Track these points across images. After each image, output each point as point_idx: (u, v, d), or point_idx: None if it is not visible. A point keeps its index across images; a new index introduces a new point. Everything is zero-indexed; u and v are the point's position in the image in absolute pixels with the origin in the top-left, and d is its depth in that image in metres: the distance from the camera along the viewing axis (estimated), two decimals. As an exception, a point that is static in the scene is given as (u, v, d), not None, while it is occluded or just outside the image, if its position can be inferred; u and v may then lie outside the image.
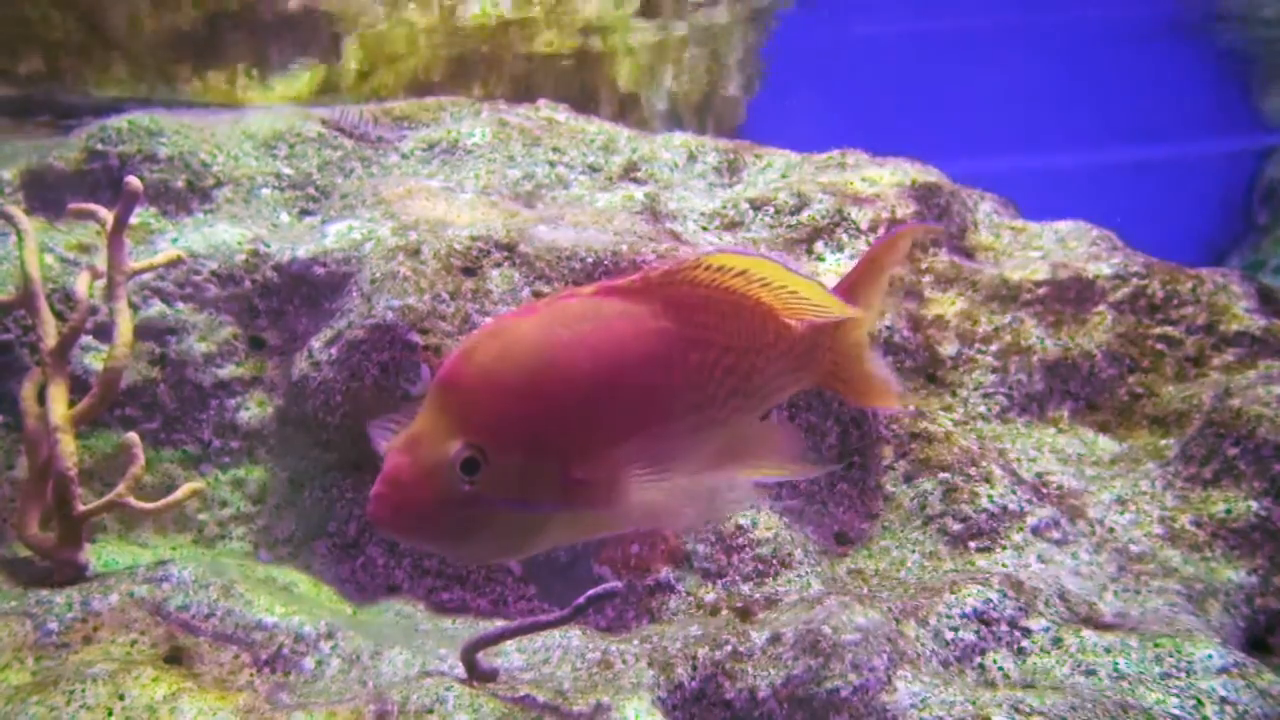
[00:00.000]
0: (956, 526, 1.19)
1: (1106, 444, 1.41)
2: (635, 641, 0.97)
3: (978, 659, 0.97)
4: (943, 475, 1.24)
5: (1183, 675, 0.90)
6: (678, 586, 1.14)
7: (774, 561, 1.15)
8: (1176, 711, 0.86)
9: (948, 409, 1.44)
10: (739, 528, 1.17)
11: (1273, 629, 1.07)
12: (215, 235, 1.27)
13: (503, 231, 1.31)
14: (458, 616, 1.09)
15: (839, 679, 0.87)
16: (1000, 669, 0.96)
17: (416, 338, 1.15)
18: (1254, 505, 1.13)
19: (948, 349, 1.51)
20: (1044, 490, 1.25)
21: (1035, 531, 1.17)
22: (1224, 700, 0.87)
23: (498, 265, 1.27)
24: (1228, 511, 1.14)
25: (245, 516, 1.16)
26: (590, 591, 0.85)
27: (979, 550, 1.16)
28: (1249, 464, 1.16)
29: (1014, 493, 1.21)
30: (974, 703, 0.84)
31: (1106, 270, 1.55)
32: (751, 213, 1.65)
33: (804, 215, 1.61)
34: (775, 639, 0.94)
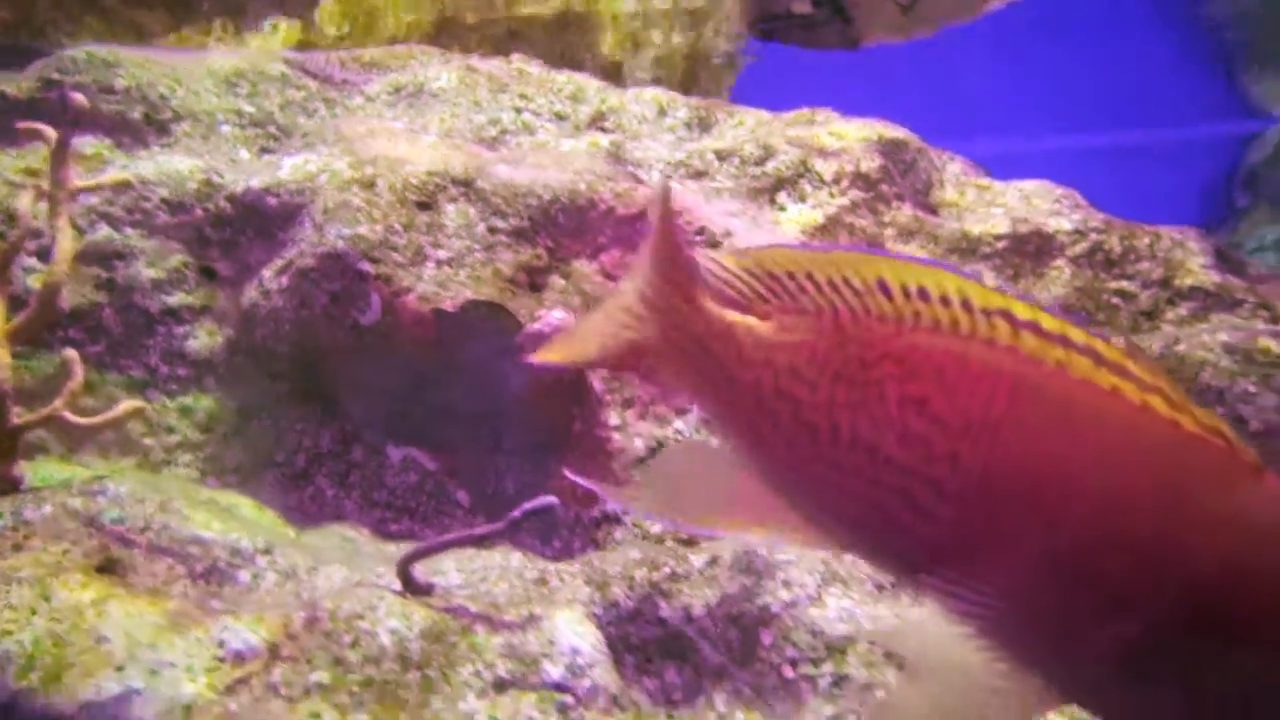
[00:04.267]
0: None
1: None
2: (576, 564, 0.98)
3: (917, 605, 0.98)
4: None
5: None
6: (624, 518, 1.14)
7: (721, 495, 1.15)
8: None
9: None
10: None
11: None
12: (168, 163, 1.26)
13: (461, 168, 1.30)
14: (403, 542, 1.10)
15: (770, 595, 0.88)
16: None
17: (368, 267, 1.14)
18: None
19: (907, 300, 1.52)
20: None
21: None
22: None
23: (454, 201, 1.27)
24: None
25: (192, 444, 1.16)
26: (525, 505, 0.85)
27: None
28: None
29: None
30: (899, 616, 0.85)
31: (1066, 225, 1.56)
32: (717, 163, 1.65)
33: (769, 166, 1.61)
34: (713, 561, 0.95)
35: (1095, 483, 0.55)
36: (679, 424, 1.21)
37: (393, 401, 1.18)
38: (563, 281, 1.24)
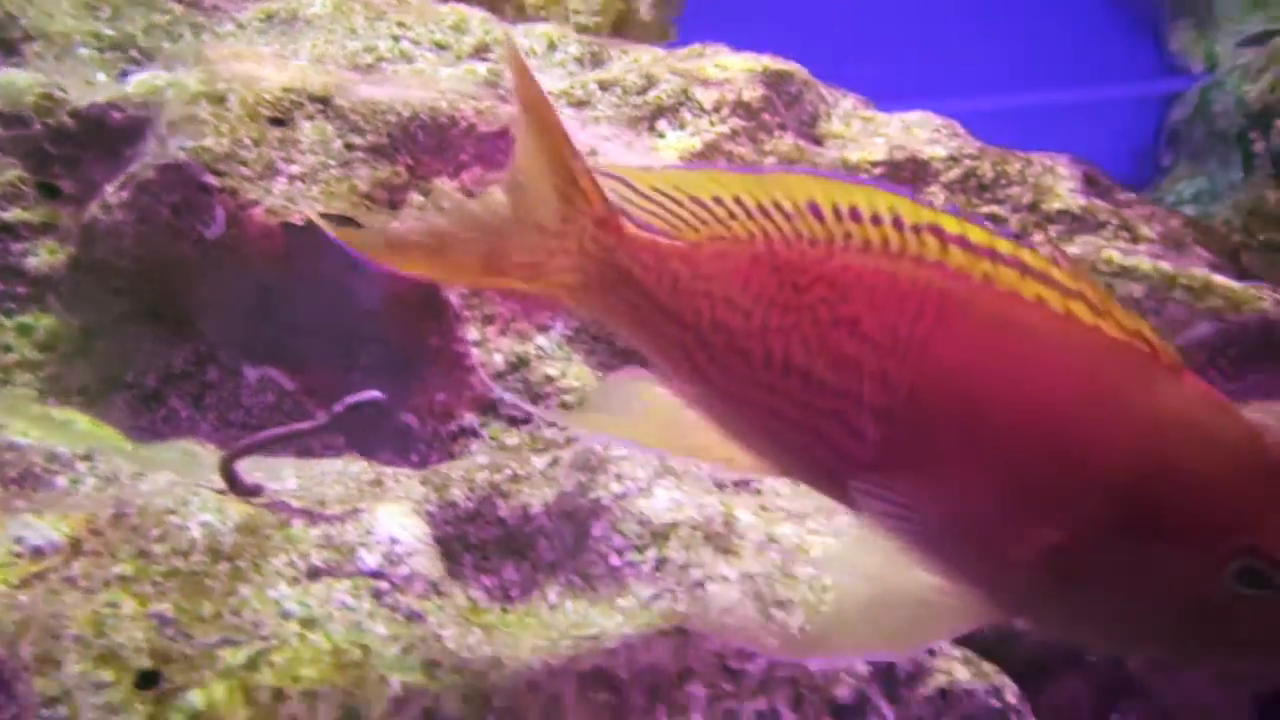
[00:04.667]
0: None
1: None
2: (416, 469, 0.97)
3: (755, 485, 1.00)
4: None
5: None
6: (482, 432, 1.14)
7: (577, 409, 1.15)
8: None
9: (779, 281, 1.46)
10: (547, 377, 1.17)
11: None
12: (3, 76, 1.21)
13: (319, 86, 1.27)
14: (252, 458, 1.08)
15: (602, 489, 0.88)
16: (775, 491, 0.99)
17: (211, 179, 1.11)
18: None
19: (784, 226, 1.53)
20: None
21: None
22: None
23: (310, 118, 1.24)
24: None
25: (32, 363, 1.13)
26: (349, 398, 0.84)
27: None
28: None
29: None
30: (725, 504, 0.86)
31: (941, 152, 1.59)
32: (600, 92, 1.63)
33: (650, 95, 1.61)
34: (554, 462, 0.95)
35: (1020, 394, 0.56)
36: (541, 340, 1.21)
37: (246, 319, 1.16)
38: (422, 199, 1.22)
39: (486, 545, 0.91)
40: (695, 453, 0.67)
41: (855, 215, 0.59)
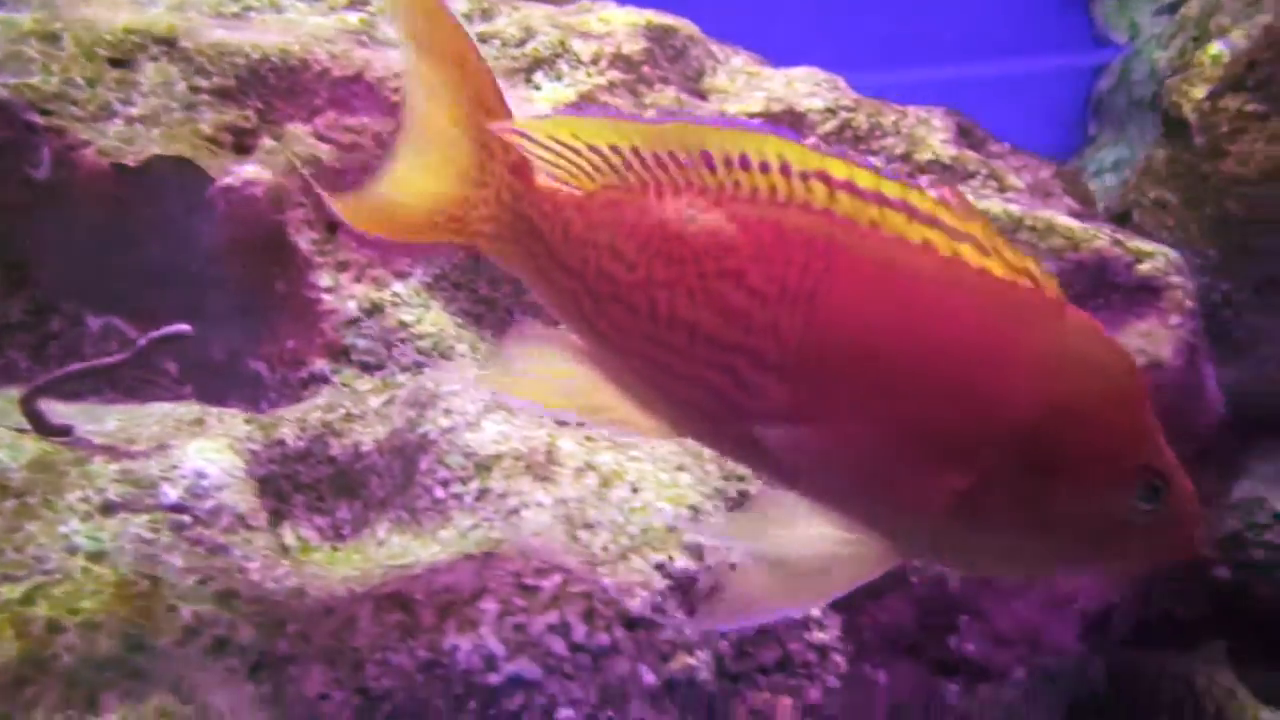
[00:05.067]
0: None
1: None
2: (243, 409, 0.96)
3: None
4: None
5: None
6: (333, 378, 1.12)
7: (434, 354, 1.14)
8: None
9: (653, 232, 1.46)
10: (402, 323, 1.16)
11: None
12: None
13: (164, 26, 1.23)
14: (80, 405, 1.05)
15: (430, 424, 0.87)
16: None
17: (36, 118, 1.07)
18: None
19: (661, 177, 1.53)
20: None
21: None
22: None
23: (154, 60, 1.20)
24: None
25: None
26: (153, 333, 0.82)
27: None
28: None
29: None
30: (551, 435, 0.86)
31: (818, 104, 1.60)
32: (479, 45, 1.61)
33: (527, 47, 1.59)
34: (390, 401, 0.94)
35: (911, 340, 0.55)
36: (398, 286, 1.19)
37: (85, 266, 1.12)
38: (273, 143, 1.19)
39: (320, 484, 0.90)
40: (595, 413, 0.64)
41: (744, 163, 0.57)
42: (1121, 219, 1.90)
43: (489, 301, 1.30)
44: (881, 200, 0.56)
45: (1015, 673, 1.01)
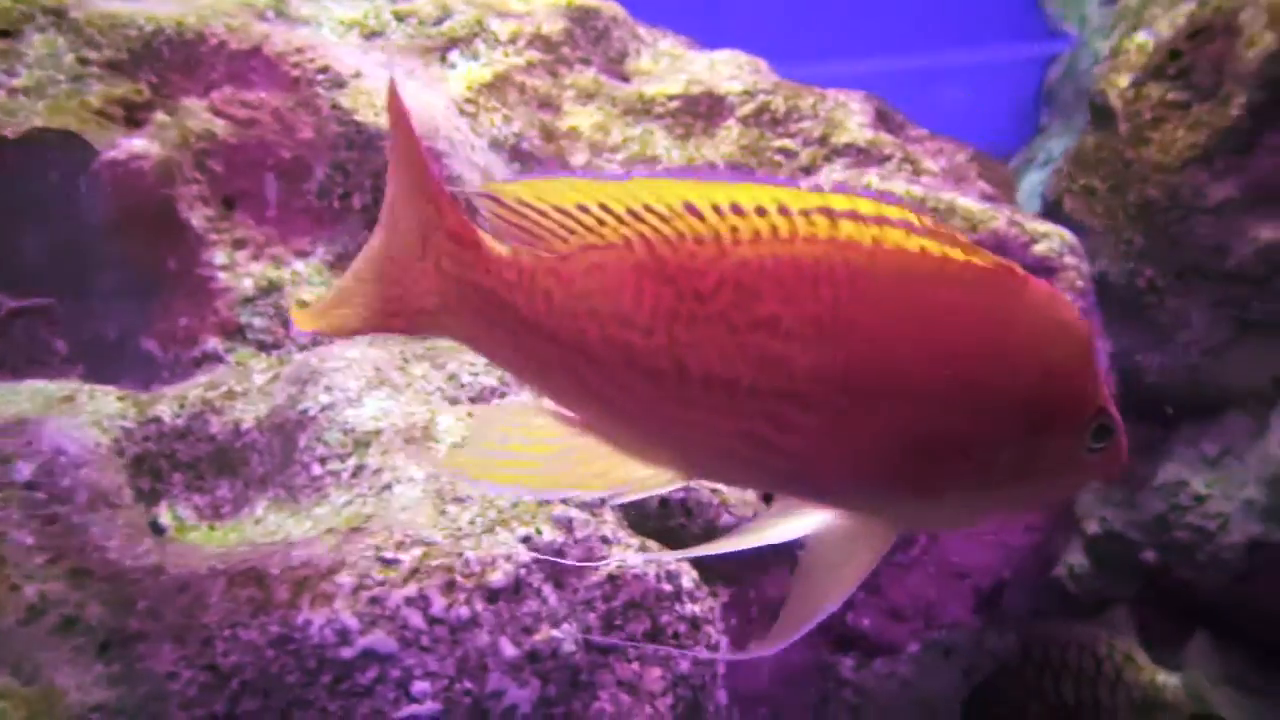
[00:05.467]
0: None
1: (716, 245, 1.47)
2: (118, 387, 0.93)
3: (496, 399, 0.99)
4: (527, 258, 1.26)
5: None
6: (227, 357, 1.10)
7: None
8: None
9: (568, 212, 1.46)
10: (301, 303, 1.14)
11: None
12: None
13: (54, -3, 1.19)
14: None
15: (310, 400, 0.86)
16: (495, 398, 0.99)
17: (-95, 87, 1.03)
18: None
19: (578, 158, 1.52)
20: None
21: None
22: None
23: (41, 30, 1.16)
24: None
25: None
26: (11, 303, 0.80)
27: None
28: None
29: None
30: (431, 410, 0.85)
31: (737, 86, 1.60)
32: (394, 23, 1.58)
33: (444, 26, 1.57)
34: (275, 378, 0.93)
35: (928, 344, 0.57)
36: (298, 265, 1.17)
37: (-35, 243, 1.08)
38: (167, 118, 1.16)
39: (200, 463, 0.88)
40: (591, 482, 0.60)
41: (737, 210, 0.56)
42: (1055, 206, 1.93)
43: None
44: (882, 221, 0.57)
45: (910, 646, 1.03)
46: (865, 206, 0.56)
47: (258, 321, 1.12)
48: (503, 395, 1.01)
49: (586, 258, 0.57)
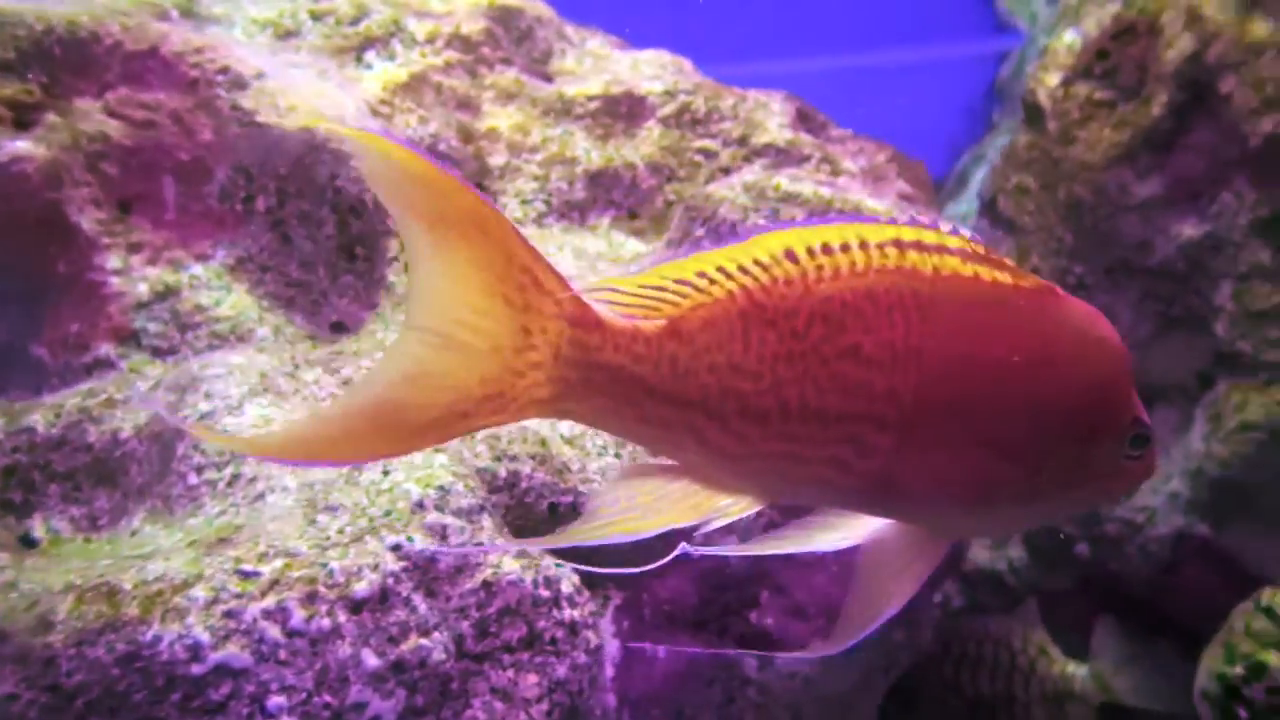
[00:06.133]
0: (434, 304, 1.19)
1: (634, 245, 1.46)
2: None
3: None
4: (436, 260, 1.24)
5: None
6: (119, 364, 1.07)
7: (231, 338, 1.11)
8: (537, 421, 0.90)
9: (485, 214, 1.44)
10: (198, 307, 1.12)
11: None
12: None
13: (-60, -5, 1.16)
14: None
15: (189, 408, 0.84)
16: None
17: None
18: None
19: (497, 159, 1.51)
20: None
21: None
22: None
23: (-75, 29, 1.13)
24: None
25: None
26: None
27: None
28: (711, 241, 1.24)
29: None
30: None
31: (658, 87, 1.60)
32: (310, 22, 1.56)
33: (361, 26, 1.55)
34: (156, 385, 0.91)
35: (988, 364, 0.62)
36: (196, 269, 1.15)
37: None
38: (58, 119, 1.13)
39: (77, 473, 0.86)
40: (682, 516, 0.62)
41: (827, 249, 0.61)
42: (991, 204, 1.95)
43: (302, 284, 1.26)
44: (942, 249, 0.62)
45: (811, 644, 1.03)
46: (929, 237, 0.62)
47: (153, 327, 1.10)
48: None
49: (698, 315, 0.60)
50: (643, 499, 0.61)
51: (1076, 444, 0.64)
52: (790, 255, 0.61)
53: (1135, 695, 1.28)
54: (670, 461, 0.62)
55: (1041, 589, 1.78)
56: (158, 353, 1.10)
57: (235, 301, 1.14)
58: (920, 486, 0.62)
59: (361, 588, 0.66)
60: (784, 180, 1.23)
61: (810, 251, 0.61)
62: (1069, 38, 1.90)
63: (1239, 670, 0.95)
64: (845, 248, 0.61)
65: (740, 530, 0.92)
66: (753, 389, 0.60)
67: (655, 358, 0.59)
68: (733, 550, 0.69)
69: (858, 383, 0.60)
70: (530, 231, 1.42)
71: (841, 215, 1.20)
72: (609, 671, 0.83)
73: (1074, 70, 1.80)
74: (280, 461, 0.63)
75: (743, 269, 0.61)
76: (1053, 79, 1.84)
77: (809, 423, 0.60)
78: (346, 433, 0.52)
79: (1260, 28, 1.58)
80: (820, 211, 1.19)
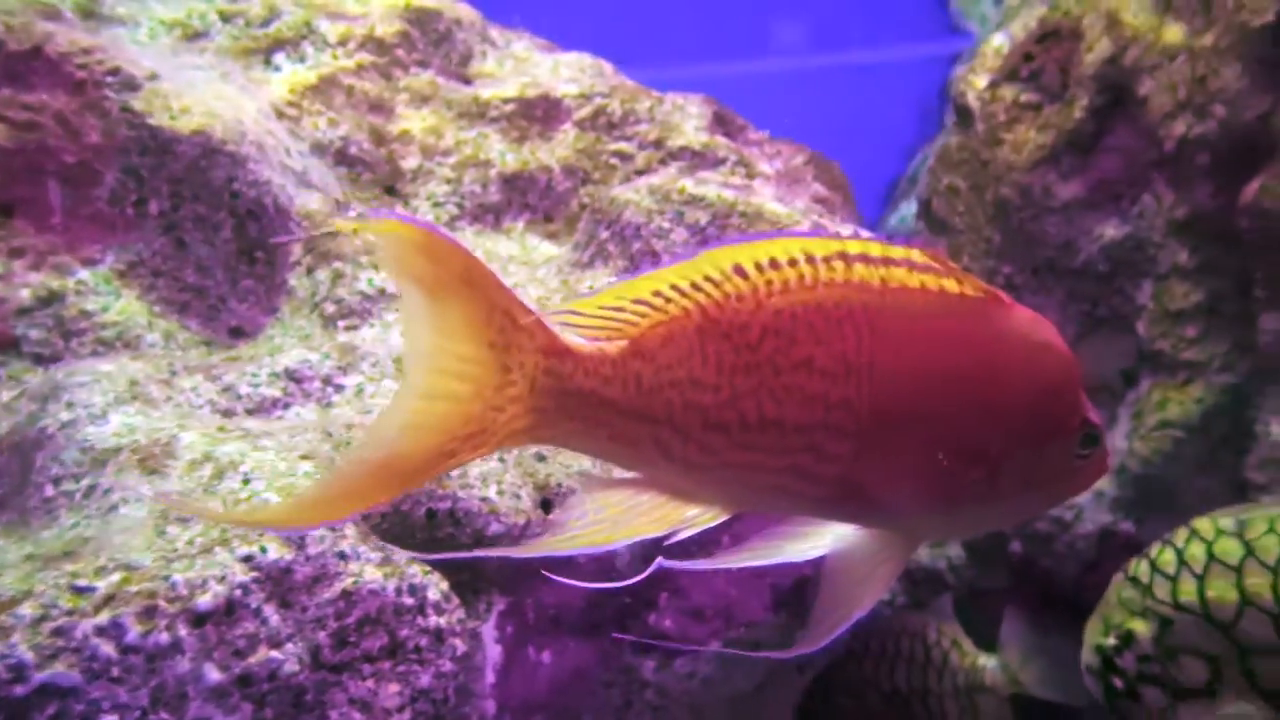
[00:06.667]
0: (331, 309, 1.17)
1: (548, 249, 1.45)
2: None
3: (279, 411, 0.96)
4: (337, 264, 1.22)
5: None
6: (-2, 373, 1.05)
7: (117, 344, 1.08)
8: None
9: (396, 217, 1.42)
10: (84, 313, 1.09)
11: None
12: None
13: None
14: None
15: (50, 418, 0.82)
16: (300, 417, 0.96)
17: None
18: (613, 281, 1.20)
19: (410, 162, 1.49)
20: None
21: (411, 311, 1.17)
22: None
23: None
24: (590, 288, 1.21)
25: None
26: None
27: (347, 328, 1.15)
28: (615, 244, 1.23)
29: (400, 277, 1.21)
30: (179, 425, 0.82)
31: (574, 89, 1.59)
32: (220, 24, 1.54)
33: (271, 27, 1.52)
34: (21, 394, 0.88)
35: (937, 371, 0.64)
36: (83, 274, 1.12)
37: None
38: (-63, 122, 1.10)
39: (-65, 488, 0.83)
40: (650, 527, 0.64)
41: (774, 264, 0.62)
42: (926, 206, 1.96)
43: (198, 289, 1.24)
44: (888, 261, 0.64)
45: (710, 645, 1.03)
46: (874, 249, 0.63)
47: (34, 334, 1.07)
48: (286, 406, 0.98)
49: (657, 334, 0.62)
50: (611, 511, 0.63)
51: (1030, 446, 0.66)
52: (739, 270, 0.62)
53: (1041, 686, 1.29)
54: (637, 475, 0.64)
55: (979, 587, 1.80)
56: (40, 360, 1.07)
57: (124, 307, 1.11)
58: (881, 492, 0.64)
59: (205, 600, 0.64)
60: (689, 183, 1.23)
61: (759, 266, 0.62)
62: (997, 41, 1.92)
63: (1112, 640, 0.96)
64: (793, 262, 0.62)
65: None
66: (713, 401, 0.62)
67: (621, 377, 0.61)
68: (703, 564, 0.70)
69: (813, 393, 0.62)
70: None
71: (789, 230, 1.22)
72: (489, 678, 0.82)
73: (1001, 73, 1.82)
74: (283, 531, 0.66)
75: (695, 285, 0.62)
76: (981, 81, 1.86)
77: (768, 432, 0.62)
78: (346, 493, 0.54)
79: (1174, 32, 1.60)
80: (724, 215, 1.19)
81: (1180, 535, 0.97)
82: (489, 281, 0.57)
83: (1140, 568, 0.99)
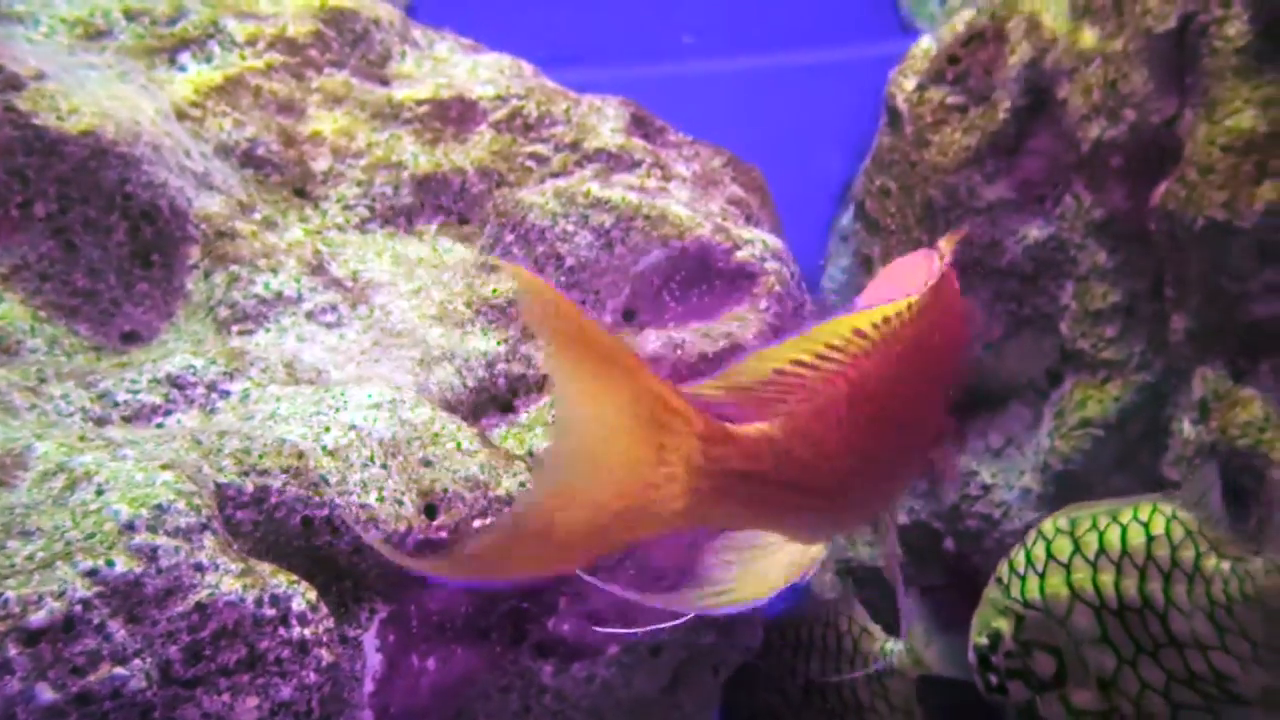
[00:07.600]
0: (224, 313, 1.15)
1: (461, 251, 1.43)
2: None
3: (159, 418, 0.94)
4: (234, 268, 1.20)
5: (330, 412, 0.91)
6: None
7: (-4, 353, 1.05)
8: (299, 433, 0.87)
9: (304, 220, 1.40)
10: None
11: (515, 391, 1.14)
12: None
13: None
14: None
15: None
16: (180, 424, 0.93)
17: None
18: (514, 285, 1.19)
19: (321, 164, 1.47)
20: (345, 283, 1.24)
21: (308, 316, 1.16)
22: (350, 425, 0.89)
23: None
24: (494, 291, 1.20)
25: None
26: None
27: (240, 333, 1.13)
28: (520, 247, 1.22)
29: (298, 281, 1.19)
30: (38, 435, 0.79)
31: (490, 91, 1.58)
32: (124, 22, 1.50)
33: (177, 26, 1.49)
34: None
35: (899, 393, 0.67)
36: None
37: None
38: None
39: None
40: (789, 575, 0.68)
41: (887, 321, 0.66)
42: (860, 207, 1.97)
43: (89, 293, 1.20)
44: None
45: (609, 649, 1.02)
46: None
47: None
48: (167, 413, 0.95)
49: (803, 408, 0.64)
50: (754, 564, 0.66)
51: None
52: (858, 333, 0.65)
53: (944, 665, 1.31)
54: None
55: (918, 584, 1.81)
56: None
57: (4, 312, 1.08)
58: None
59: (40, 616, 0.62)
60: (595, 186, 1.22)
61: (874, 325, 0.65)
62: (925, 43, 1.94)
63: (984, 639, 0.98)
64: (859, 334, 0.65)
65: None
66: (849, 467, 0.65)
67: (782, 458, 0.62)
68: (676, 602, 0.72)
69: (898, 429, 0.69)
70: (352, 237, 1.38)
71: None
72: (368, 687, 0.81)
73: (928, 75, 1.84)
74: (451, 583, 0.73)
75: (824, 357, 0.64)
76: (909, 83, 1.88)
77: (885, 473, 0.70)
78: (500, 551, 0.54)
79: (1089, 36, 1.63)
80: (628, 219, 1.18)
81: (1030, 535, 1.00)
82: (635, 362, 0.57)
83: (1003, 568, 1.01)
